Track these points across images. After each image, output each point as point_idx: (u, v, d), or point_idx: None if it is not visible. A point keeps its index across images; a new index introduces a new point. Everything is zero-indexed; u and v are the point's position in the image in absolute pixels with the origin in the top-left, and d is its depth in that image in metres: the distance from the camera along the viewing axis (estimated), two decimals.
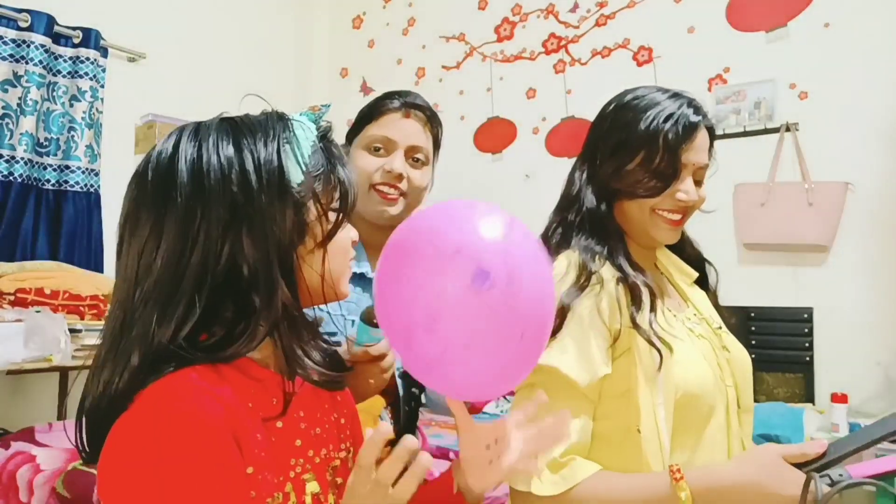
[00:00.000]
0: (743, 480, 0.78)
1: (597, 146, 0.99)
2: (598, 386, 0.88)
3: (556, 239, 0.99)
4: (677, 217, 0.96)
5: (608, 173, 0.96)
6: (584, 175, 1.00)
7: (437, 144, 1.19)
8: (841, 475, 0.75)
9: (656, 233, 0.97)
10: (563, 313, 0.87)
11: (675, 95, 0.97)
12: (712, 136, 0.99)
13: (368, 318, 0.89)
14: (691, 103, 0.96)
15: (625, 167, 0.95)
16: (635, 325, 0.88)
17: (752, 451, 0.86)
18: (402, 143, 1.12)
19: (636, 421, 0.86)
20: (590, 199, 0.97)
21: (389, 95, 1.15)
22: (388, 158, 1.11)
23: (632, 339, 0.88)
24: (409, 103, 1.13)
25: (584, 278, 0.90)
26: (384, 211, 1.10)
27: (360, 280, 1.10)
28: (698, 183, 0.97)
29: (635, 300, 0.90)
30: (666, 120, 0.93)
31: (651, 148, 0.92)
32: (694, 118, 0.94)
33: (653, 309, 0.90)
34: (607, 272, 0.92)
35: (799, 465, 0.78)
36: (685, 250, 1.08)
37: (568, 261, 0.94)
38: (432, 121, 1.16)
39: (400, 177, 1.10)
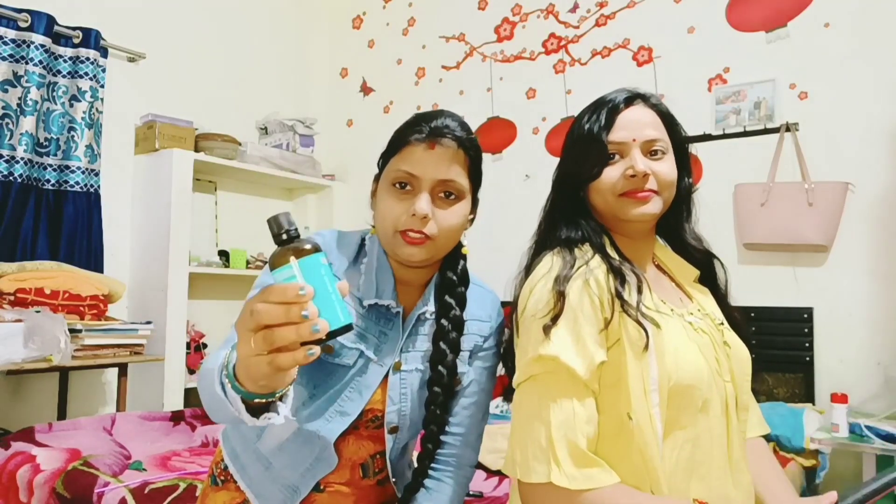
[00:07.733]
0: None
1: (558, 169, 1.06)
2: (598, 374, 0.88)
3: (534, 248, 1.02)
4: (641, 193, 0.96)
5: (563, 178, 1.02)
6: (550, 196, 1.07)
7: (474, 173, 1.05)
8: None
9: (625, 212, 0.97)
10: (561, 299, 0.88)
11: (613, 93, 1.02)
12: (668, 120, 1.01)
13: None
14: (623, 90, 1.01)
15: (572, 163, 1.01)
16: (623, 306, 0.88)
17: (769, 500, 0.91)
18: (427, 179, 0.99)
19: (627, 407, 0.86)
20: (559, 198, 1.03)
21: (417, 121, 1.03)
22: (413, 200, 1.00)
23: (622, 326, 0.88)
24: (435, 130, 1.00)
25: (571, 264, 0.92)
26: (411, 254, 1.00)
27: (377, 310, 1.04)
28: (655, 158, 0.97)
29: (621, 282, 0.90)
30: (589, 110, 1.01)
31: (579, 138, 1.00)
32: (617, 99, 0.99)
33: (640, 293, 0.91)
34: (595, 262, 0.93)
35: None
36: (688, 248, 1.08)
37: (551, 257, 0.96)
38: (464, 146, 1.01)
39: (425, 219, 0.98)
